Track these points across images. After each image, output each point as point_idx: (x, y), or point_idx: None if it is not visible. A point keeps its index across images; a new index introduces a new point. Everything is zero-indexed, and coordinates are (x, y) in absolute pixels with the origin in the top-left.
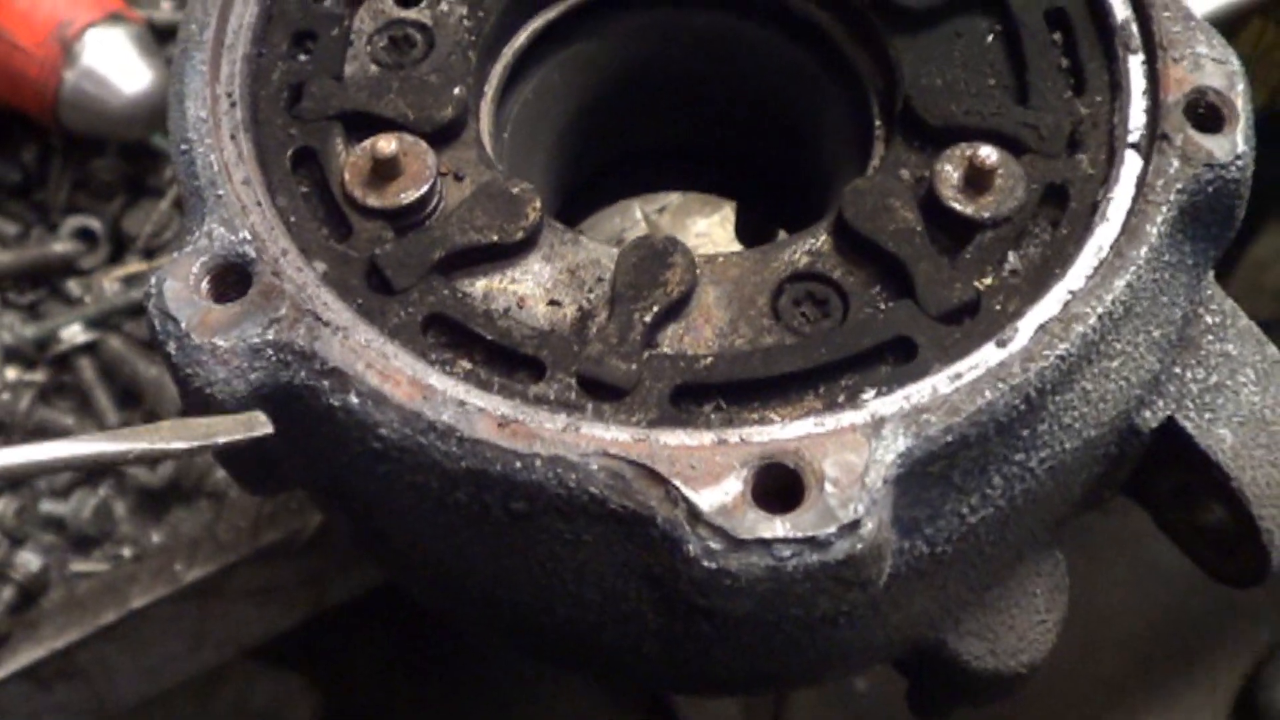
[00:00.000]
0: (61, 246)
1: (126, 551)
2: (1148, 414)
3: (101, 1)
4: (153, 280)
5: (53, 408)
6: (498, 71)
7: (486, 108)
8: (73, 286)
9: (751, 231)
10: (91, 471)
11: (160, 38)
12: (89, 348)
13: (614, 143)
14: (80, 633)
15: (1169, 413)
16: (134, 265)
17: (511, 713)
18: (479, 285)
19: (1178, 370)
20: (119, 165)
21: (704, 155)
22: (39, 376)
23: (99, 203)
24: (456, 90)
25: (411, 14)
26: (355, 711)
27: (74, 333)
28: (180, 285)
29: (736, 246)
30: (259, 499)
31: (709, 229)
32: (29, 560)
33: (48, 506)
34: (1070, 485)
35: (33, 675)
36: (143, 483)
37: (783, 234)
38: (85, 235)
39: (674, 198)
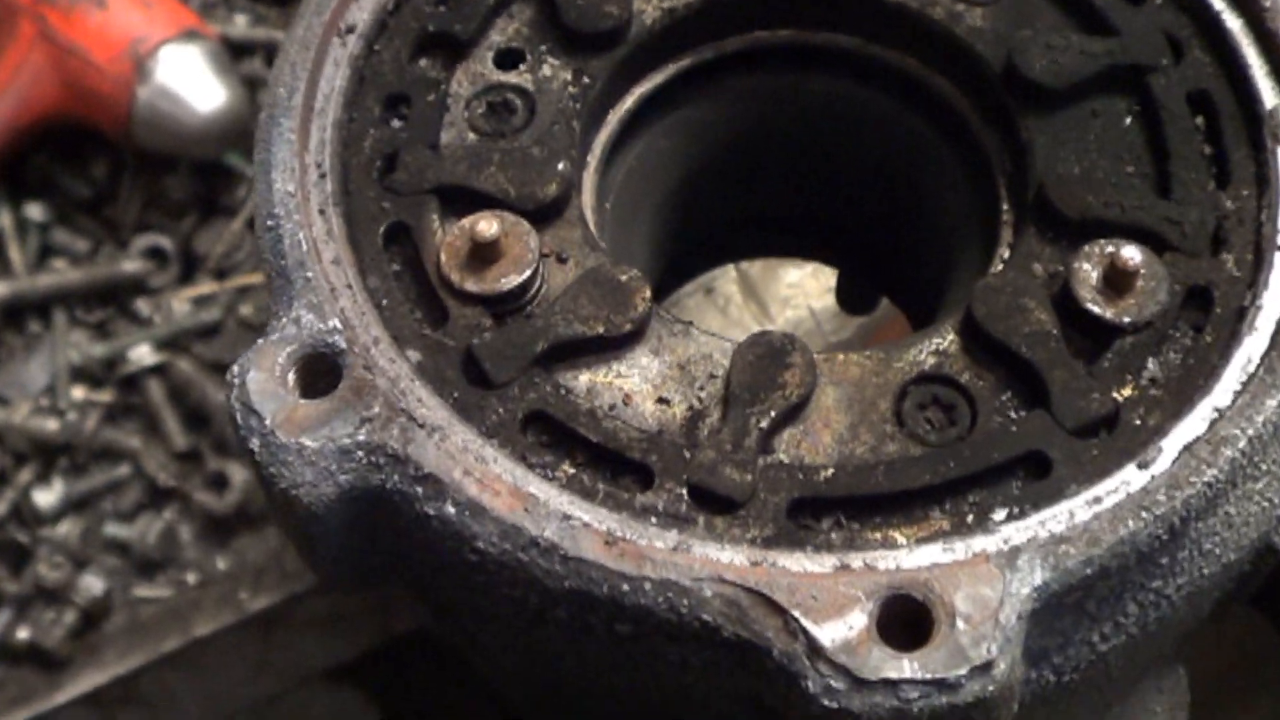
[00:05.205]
0: (131, 265)
1: (191, 577)
2: None
3: (176, 18)
4: (236, 369)
5: (119, 429)
6: (602, 139)
7: (590, 178)
8: (142, 306)
9: (853, 297)
10: None
11: (235, 54)
12: (158, 369)
13: (720, 209)
14: (143, 658)
15: None
16: (205, 285)
17: None
18: (582, 380)
19: None
20: (191, 183)
21: (811, 224)
22: (106, 397)
23: (170, 221)
24: (560, 165)
25: (512, 78)
26: None
27: (143, 354)
28: (265, 377)
29: (829, 299)
30: None
31: (800, 280)
32: (92, 584)
33: (112, 530)
34: (1202, 605)
35: (94, 700)
36: (209, 508)
37: (886, 300)
38: (155, 254)
39: None
